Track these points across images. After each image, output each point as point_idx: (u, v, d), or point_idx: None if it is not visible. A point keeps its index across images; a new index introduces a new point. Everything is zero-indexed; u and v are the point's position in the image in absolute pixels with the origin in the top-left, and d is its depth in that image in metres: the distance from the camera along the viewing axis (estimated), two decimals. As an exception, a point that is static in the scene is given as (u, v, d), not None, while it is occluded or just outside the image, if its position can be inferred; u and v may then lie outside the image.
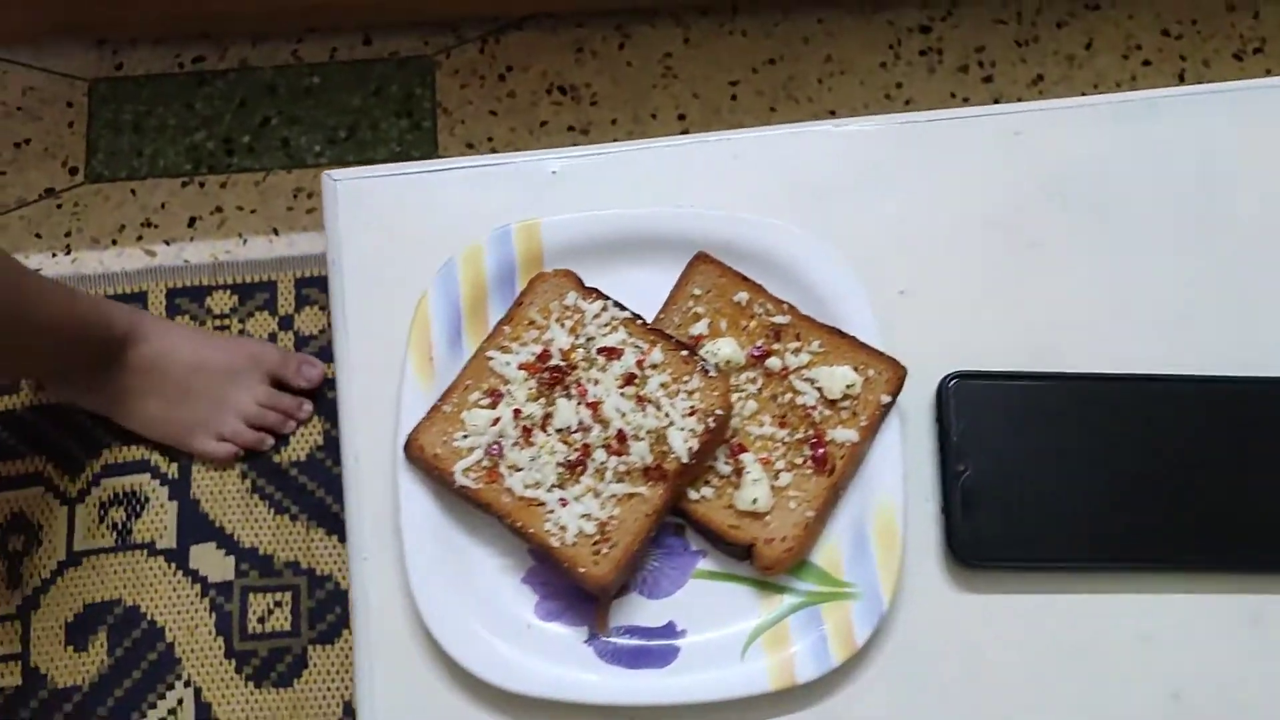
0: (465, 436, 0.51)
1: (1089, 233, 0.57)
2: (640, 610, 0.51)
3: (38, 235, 1.13)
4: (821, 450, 0.51)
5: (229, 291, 1.11)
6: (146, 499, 1.04)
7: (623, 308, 0.53)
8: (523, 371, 0.52)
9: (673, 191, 0.57)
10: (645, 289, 0.55)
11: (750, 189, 0.57)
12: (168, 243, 1.13)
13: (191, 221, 1.14)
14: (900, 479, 0.51)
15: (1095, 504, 0.52)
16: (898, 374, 0.52)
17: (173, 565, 1.02)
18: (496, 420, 0.51)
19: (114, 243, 1.13)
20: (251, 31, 1.21)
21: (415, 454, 0.51)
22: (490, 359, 0.52)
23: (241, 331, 1.10)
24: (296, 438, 1.05)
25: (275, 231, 1.14)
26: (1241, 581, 0.52)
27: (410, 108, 1.18)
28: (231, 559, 1.02)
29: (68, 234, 1.13)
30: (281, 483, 1.04)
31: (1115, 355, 0.54)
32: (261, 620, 1.01)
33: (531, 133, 1.17)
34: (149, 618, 1.01)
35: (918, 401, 0.54)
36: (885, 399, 0.52)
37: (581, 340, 0.52)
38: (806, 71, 1.17)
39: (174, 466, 1.05)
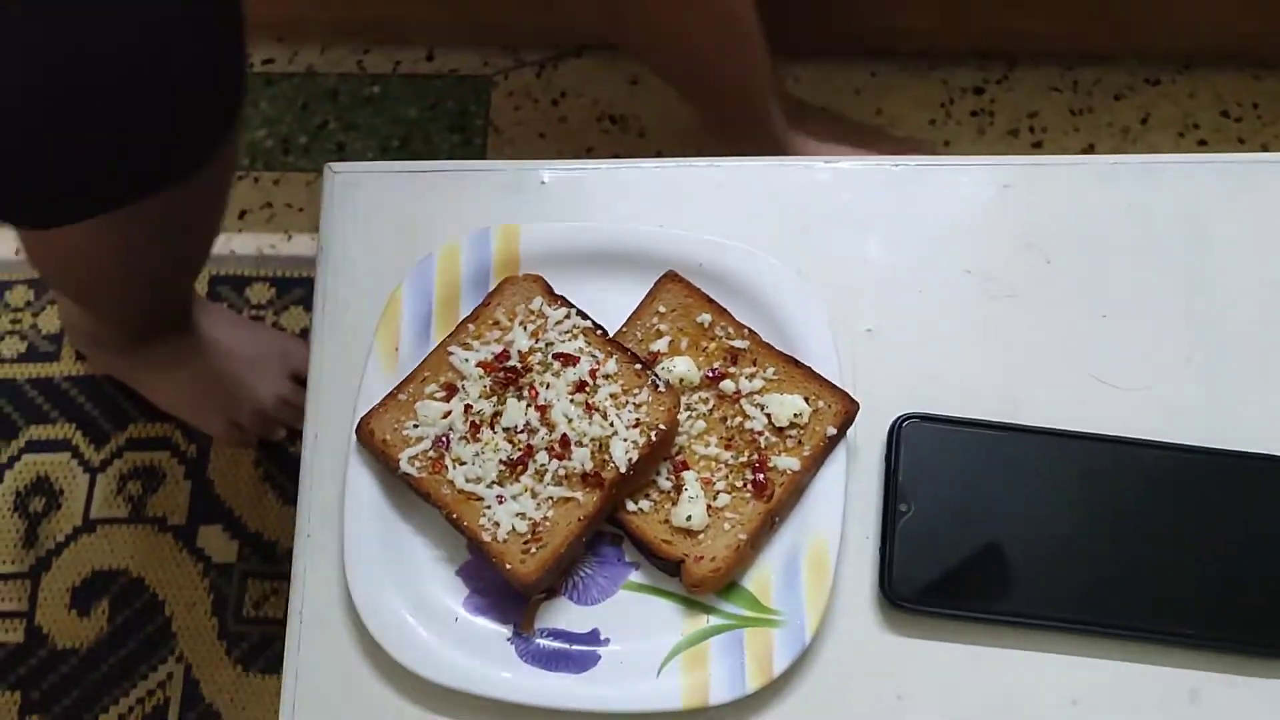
0: (416, 426, 0.52)
1: (1066, 290, 0.57)
2: (567, 615, 0.52)
3: (97, 214, 1.18)
4: (762, 475, 0.51)
5: (268, 284, 1.15)
6: (164, 475, 1.07)
7: (585, 317, 0.54)
8: (479, 369, 0.53)
9: (654, 211, 0.58)
10: (614, 302, 0.55)
11: (730, 215, 0.58)
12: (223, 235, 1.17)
13: (242, 214, 1.18)
14: (839, 513, 0.51)
15: (1035, 561, 0.51)
16: (848, 408, 0.52)
17: (180, 542, 1.05)
18: (448, 414, 0.52)
19: (166, 227, 1.17)
20: (321, 39, 1.25)
21: (366, 438, 0.53)
22: (451, 354, 0.54)
23: (275, 324, 1.13)
24: (310, 430, 1.07)
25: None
26: (1181, 655, 0.50)
27: (464, 123, 1.21)
28: (236, 543, 1.05)
29: (125, 215, 1.18)
30: (294, 473, 1.06)
31: (1075, 414, 0.53)
32: (257, 605, 1.03)
33: (577, 158, 1.19)
34: (151, 590, 1.04)
35: (873, 438, 0.54)
36: (831, 431, 0.52)
37: (541, 345, 0.53)
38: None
39: (193, 447, 1.08)
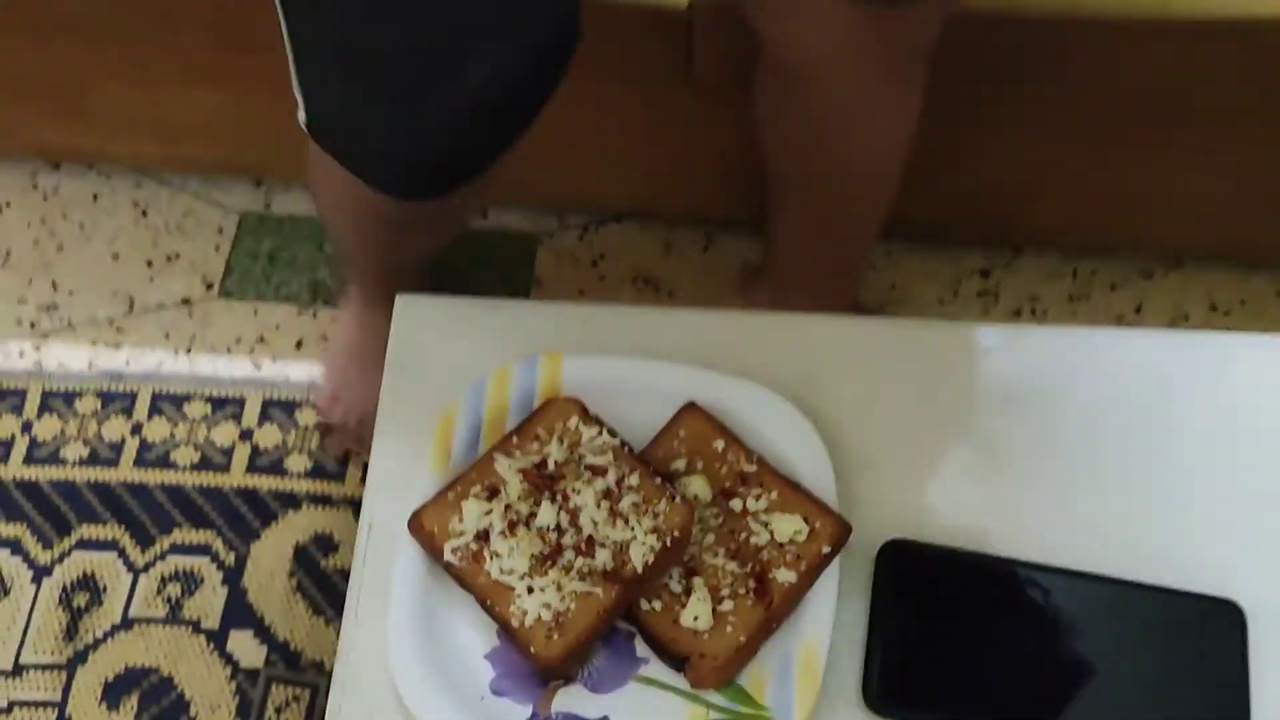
0: (460, 521, 0.60)
1: (1037, 440, 0.64)
2: (582, 700, 0.58)
3: (166, 335, 1.28)
4: (763, 584, 0.58)
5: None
6: (202, 580, 1.14)
7: (615, 435, 0.62)
8: (519, 474, 0.60)
9: (681, 349, 0.66)
10: (641, 424, 0.63)
11: (747, 357, 0.66)
12: (274, 358, 1.27)
13: (299, 344, 1.28)
14: (830, 623, 0.58)
15: (1003, 680, 0.57)
16: (841, 530, 0.59)
17: (211, 645, 1.11)
18: (489, 512, 0.60)
19: (229, 351, 1.27)
20: (386, 191, 1.37)
21: (416, 528, 0.60)
22: (495, 460, 0.61)
23: (321, 447, 1.21)
24: (344, 545, 1.14)
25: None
26: (1133, 774, 0.56)
27: (510, 275, 1.32)
28: (265, 648, 1.10)
29: (191, 338, 1.28)
30: (324, 585, 1.13)
31: (1040, 547, 0.60)
32: (279, 710, 1.07)
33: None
34: (179, 689, 1.09)
35: (864, 557, 0.60)
36: (826, 549, 0.59)
37: (575, 457, 0.61)
38: (868, 295, 1.27)
39: (231, 555, 1.15)
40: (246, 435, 1.21)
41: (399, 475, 0.63)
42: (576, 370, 0.65)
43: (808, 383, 0.65)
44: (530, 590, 0.57)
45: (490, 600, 0.58)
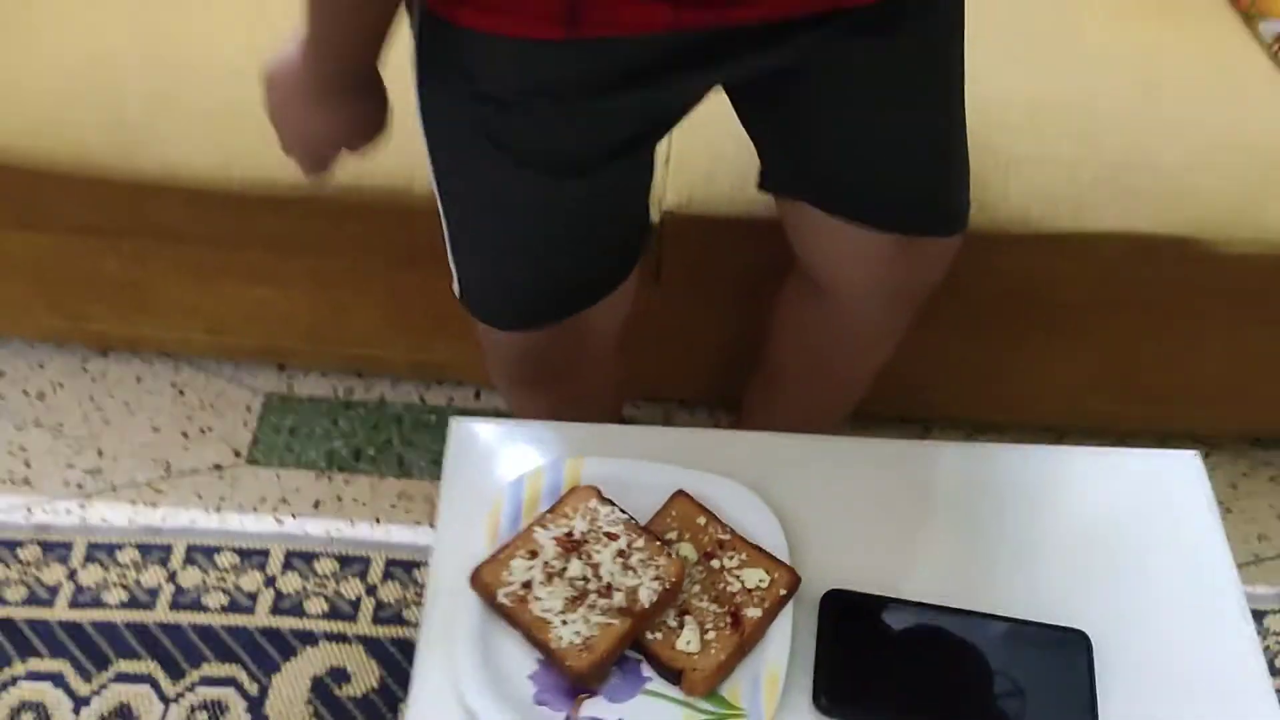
0: (509, 574, 0.79)
1: (940, 517, 0.86)
2: (602, 708, 0.76)
3: (198, 495, 1.46)
4: (737, 620, 0.78)
5: (333, 559, 1.41)
6: (228, 708, 1.28)
7: (624, 512, 0.82)
8: (553, 540, 0.81)
9: (674, 455, 0.88)
10: (643, 505, 0.84)
11: (721, 461, 0.88)
12: (294, 516, 1.45)
13: (316, 504, 1.47)
14: (787, 648, 0.77)
15: (913, 690, 0.77)
16: (795, 580, 0.80)
17: (236, 764, 1.24)
18: (530, 568, 0.79)
19: (254, 510, 1.46)
20: (392, 376, 1.60)
21: (475, 581, 0.79)
22: (535, 531, 0.82)
23: (337, 592, 1.38)
24: (356, 676, 1.29)
25: (377, 520, 1.46)
26: (1015, 754, 0.75)
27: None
28: (285, 769, 1.24)
29: (221, 498, 1.47)
30: (338, 712, 1.28)
31: (943, 594, 0.81)
32: (296, 820, 1.20)
33: (589, 478, 1.50)
34: (206, 803, 1.22)
35: (814, 599, 0.80)
36: (783, 593, 0.79)
37: (595, 527, 0.82)
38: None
39: (255, 686, 1.30)
40: (270, 582, 1.38)
41: (459, 546, 0.83)
42: (593, 467, 0.86)
43: (765, 478, 0.87)
44: (564, 623, 0.77)
45: (534, 631, 0.77)
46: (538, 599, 0.78)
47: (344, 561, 1.41)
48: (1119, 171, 1.22)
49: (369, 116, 0.88)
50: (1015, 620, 0.80)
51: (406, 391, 1.59)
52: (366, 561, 1.41)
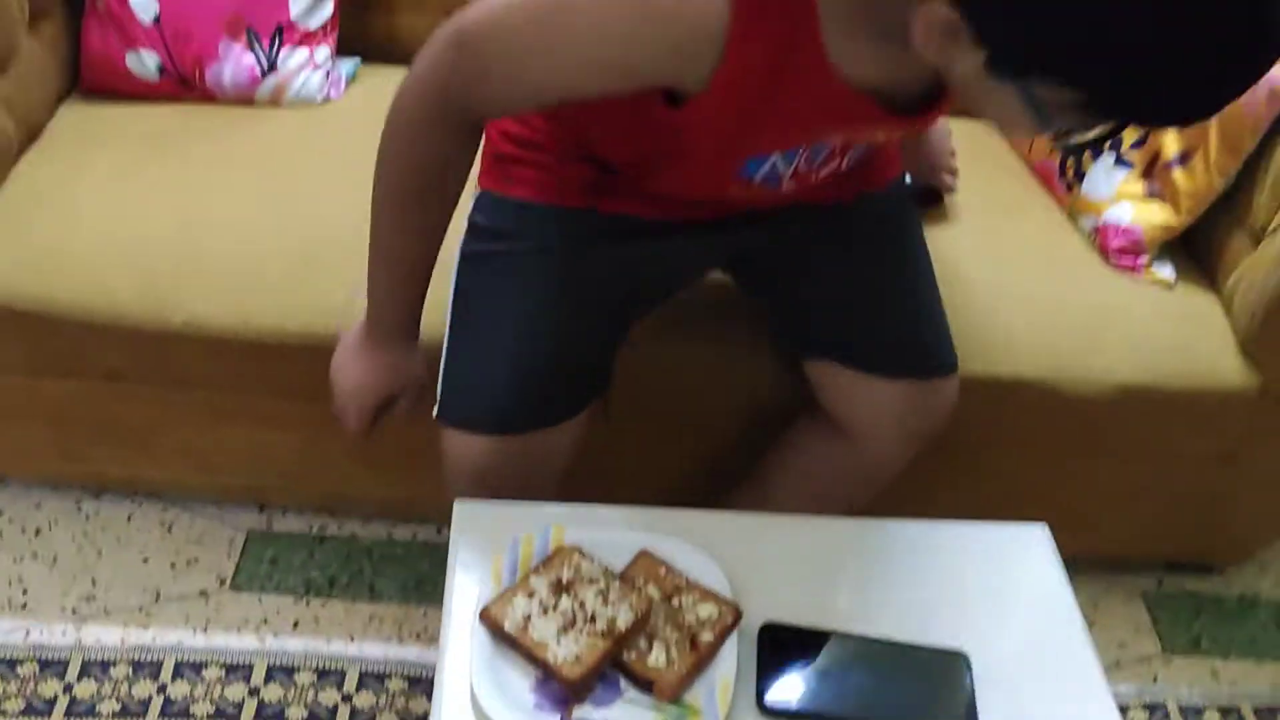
0: (513, 609, 0.99)
1: (852, 566, 1.09)
2: (589, 714, 0.95)
3: (186, 618, 1.61)
4: (694, 643, 0.99)
5: (312, 671, 1.56)
6: (216, 804, 1.40)
7: (603, 566, 1.04)
8: (545, 584, 1.01)
9: (638, 527, 1.10)
10: (616, 559, 1.05)
11: (678, 528, 1.10)
12: (275, 635, 1.60)
13: (295, 624, 1.62)
14: (734, 664, 0.98)
15: (834, 696, 0.98)
16: (737, 614, 1.01)
17: None
18: (529, 604, 1.00)
19: (238, 630, 1.60)
20: (363, 515, 1.79)
21: (485, 617, 0.99)
22: (530, 578, 1.02)
23: (315, 700, 1.52)
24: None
25: (351, 638, 1.61)
26: (913, 740, 0.96)
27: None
28: None
29: (207, 620, 1.61)
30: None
31: (851, 624, 1.03)
32: None
33: (541, 601, 1.69)
34: None
35: (754, 630, 1.02)
36: (730, 621, 1.00)
37: (579, 575, 1.02)
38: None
39: (242, 784, 1.42)
40: (254, 692, 1.52)
41: (469, 594, 1.03)
42: (573, 534, 1.08)
43: (711, 540, 1.09)
44: (559, 643, 0.97)
45: (534, 653, 0.97)
46: (536, 628, 0.98)
47: (322, 673, 1.56)
48: (981, 330, 1.52)
49: (408, 361, 1.20)
50: (907, 644, 1.02)
51: (375, 529, 1.77)
52: (342, 673, 1.56)
